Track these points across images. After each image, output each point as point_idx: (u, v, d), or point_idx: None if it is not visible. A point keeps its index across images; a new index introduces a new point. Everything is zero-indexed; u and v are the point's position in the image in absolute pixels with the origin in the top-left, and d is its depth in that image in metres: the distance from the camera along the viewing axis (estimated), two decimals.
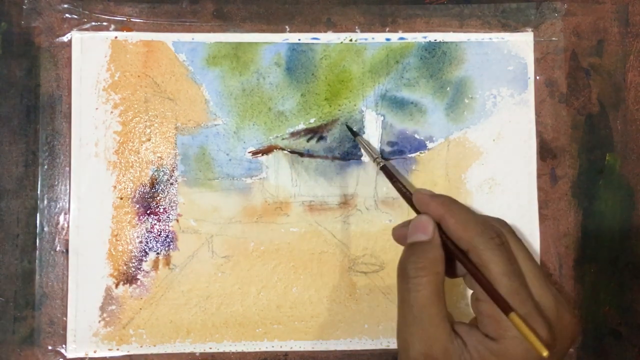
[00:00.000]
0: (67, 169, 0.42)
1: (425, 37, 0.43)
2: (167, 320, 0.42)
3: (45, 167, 0.42)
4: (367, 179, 0.43)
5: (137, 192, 0.42)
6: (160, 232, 0.42)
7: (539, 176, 0.43)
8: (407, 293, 0.30)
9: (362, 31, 0.43)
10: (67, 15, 0.42)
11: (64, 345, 0.41)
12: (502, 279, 0.29)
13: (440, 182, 0.43)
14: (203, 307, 0.42)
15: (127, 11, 0.43)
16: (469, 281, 0.32)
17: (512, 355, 0.28)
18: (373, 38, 0.43)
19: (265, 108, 0.43)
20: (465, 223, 0.31)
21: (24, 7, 0.42)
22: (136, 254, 0.42)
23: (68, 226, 0.42)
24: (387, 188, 0.43)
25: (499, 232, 0.31)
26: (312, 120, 0.43)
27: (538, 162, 0.43)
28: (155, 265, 0.42)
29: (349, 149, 0.43)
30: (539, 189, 0.43)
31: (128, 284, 0.42)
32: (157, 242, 0.42)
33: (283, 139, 0.43)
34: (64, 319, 0.41)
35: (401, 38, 0.43)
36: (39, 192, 0.42)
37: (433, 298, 0.30)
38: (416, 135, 0.43)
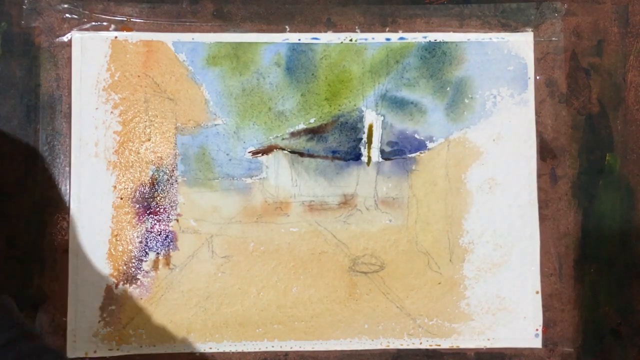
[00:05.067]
0: (67, 169, 0.42)
1: (425, 37, 0.43)
2: (167, 320, 0.41)
3: (45, 167, 0.42)
4: (367, 179, 0.43)
5: (137, 192, 0.42)
6: (160, 232, 0.42)
7: (539, 176, 0.43)
8: None
9: (362, 31, 0.43)
10: (67, 15, 0.42)
11: (64, 345, 0.41)
12: None
13: (440, 182, 0.43)
14: (203, 307, 0.42)
15: (127, 11, 0.43)
16: None
17: None
18: (373, 38, 0.43)
19: (265, 108, 0.43)
20: None
21: (24, 7, 0.42)
22: (136, 254, 0.42)
23: (68, 226, 0.42)
24: (387, 188, 0.43)
25: None
26: (312, 120, 0.43)
27: (538, 162, 0.43)
28: (155, 265, 0.42)
29: (349, 149, 0.43)
30: (539, 189, 0.43)
31: (128, 284, 0.42)
32: (157, 242, 0.42)
33: (283, 139, 0.43)
34: (64, 319, 0.41)
35: (401, 38, 0.43)
36: (39, 192, 0.42)
37: None
38: (416, 135, 0.43)
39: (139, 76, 0.42)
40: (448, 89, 0.43)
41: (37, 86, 0.42)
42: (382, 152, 0.43)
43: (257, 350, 0.42)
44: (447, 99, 0.43)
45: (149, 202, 0.42)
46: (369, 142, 0.43)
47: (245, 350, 0.42)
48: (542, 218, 0.43)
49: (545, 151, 0.43)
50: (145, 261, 0.42)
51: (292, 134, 0.43)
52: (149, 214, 0.42)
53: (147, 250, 0.42)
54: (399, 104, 0.43)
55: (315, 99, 0.43)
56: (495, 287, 0.42)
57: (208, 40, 0.43)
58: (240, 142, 0.43)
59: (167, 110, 0.42)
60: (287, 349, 0.42)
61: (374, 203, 0.43)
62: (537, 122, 0.43)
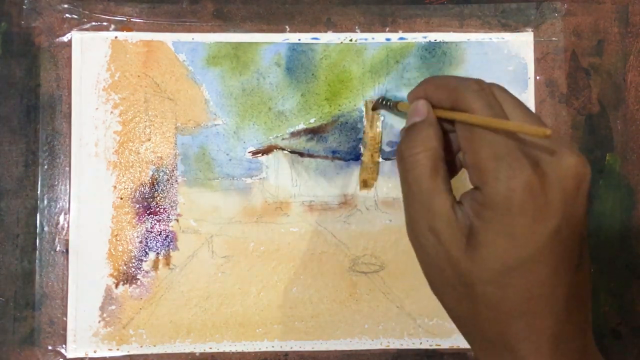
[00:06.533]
0: (67, 169, 0.42)
1: (425, 37, 0.43)
2: (167, 320, 0.42)
3: (45, 167, 0.42)
4: None
5: (137, 192, 0.42)
6: (160, 232, 0.42)
7: None
8: (405, 173, 0.29)
9: (362, 31, 0.43)
10: (67, 15, 0.42)
11: (64, 345, 0.41)
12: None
13: None
14: (203, 307, 0.42)
15: (127, 11, 0.43)
16: (461, 142, 0.30)
17: (498, 201, 0.26)
18: (373, 38, 0.43)
19: (265, 108, 0.43)
20: (444, 82, 0.30)
21: (24, 7, 0.42)
22: (136, 254, 0.42)
23: (68, 226, 0.42)
24: (387, 188, 0.43)
25: (480, 81, 0.30)
26: (312, 120, 0.43)
27: None
28: (155, 265, 0.42)
29: (349, 149, 0.43)
30: None
31: (128, 284, 0.42)
32: (157, 242, 0.42)
33: (283, 139, 0.43)
34: (64, 319, 0.41)
35: (401, 38, 0.43)
36: (39, 192, 0.42)
37: (430, 172, 0.29)
38: None
39: (139, 76, 0.42)
40: None
41: (37, 86, 0.42)
42: (382, 152, 0.43)
43: (257, 350, 0.42)
44: None
45: (149, 202, 0.42)
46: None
47: (245, 350, 0.42)
48: None
49: None
50: (145, 261, 0.42)
51: (292, 134, 0.43)
52: (149, 214, 0.42)
53: (147, 250, 0.42)
54: None
55: (315, 99, 0.43)
56: None
57: (208, 40, 0.43)
58: (240, 142, 0.43)
59: (167, 110, 0.42)
60: (287, 349, 0.42)
61: (374, 203, 0.43)
62: None
